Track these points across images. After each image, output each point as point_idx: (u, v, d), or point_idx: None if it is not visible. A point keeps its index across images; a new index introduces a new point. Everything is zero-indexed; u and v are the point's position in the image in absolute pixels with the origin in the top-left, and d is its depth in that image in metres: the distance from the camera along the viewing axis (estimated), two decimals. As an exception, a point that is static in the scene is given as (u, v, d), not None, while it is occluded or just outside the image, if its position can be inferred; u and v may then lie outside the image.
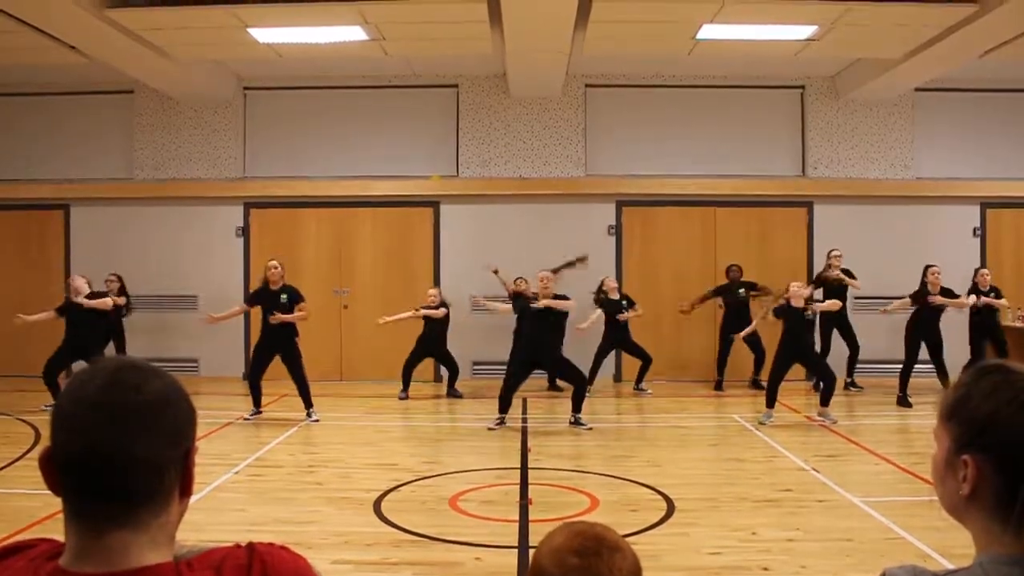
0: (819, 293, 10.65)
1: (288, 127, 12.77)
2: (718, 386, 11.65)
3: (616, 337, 11.28)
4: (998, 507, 1.11)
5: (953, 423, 1.18)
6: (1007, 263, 12.30)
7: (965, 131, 12.63)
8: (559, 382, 11.15)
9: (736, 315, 11.42)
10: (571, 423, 9.00)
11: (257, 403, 9.43)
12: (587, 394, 10.81)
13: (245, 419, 9.29)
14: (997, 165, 12.51)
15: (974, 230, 12.51)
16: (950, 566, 1.17)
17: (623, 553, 1.33)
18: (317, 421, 9.24)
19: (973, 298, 10.29)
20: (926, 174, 12.54)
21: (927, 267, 10.28)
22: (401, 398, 10.93)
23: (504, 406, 9.03)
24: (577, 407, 9.03)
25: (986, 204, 12.54)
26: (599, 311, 11.16)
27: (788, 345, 9.21)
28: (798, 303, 9.15)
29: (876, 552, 4.94)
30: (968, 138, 12.62)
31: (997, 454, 1.13)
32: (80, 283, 9.86)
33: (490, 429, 8.87)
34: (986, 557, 1.11)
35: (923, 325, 10.22)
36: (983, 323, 10.53)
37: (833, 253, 11.09)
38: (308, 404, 9.37)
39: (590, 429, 8.85)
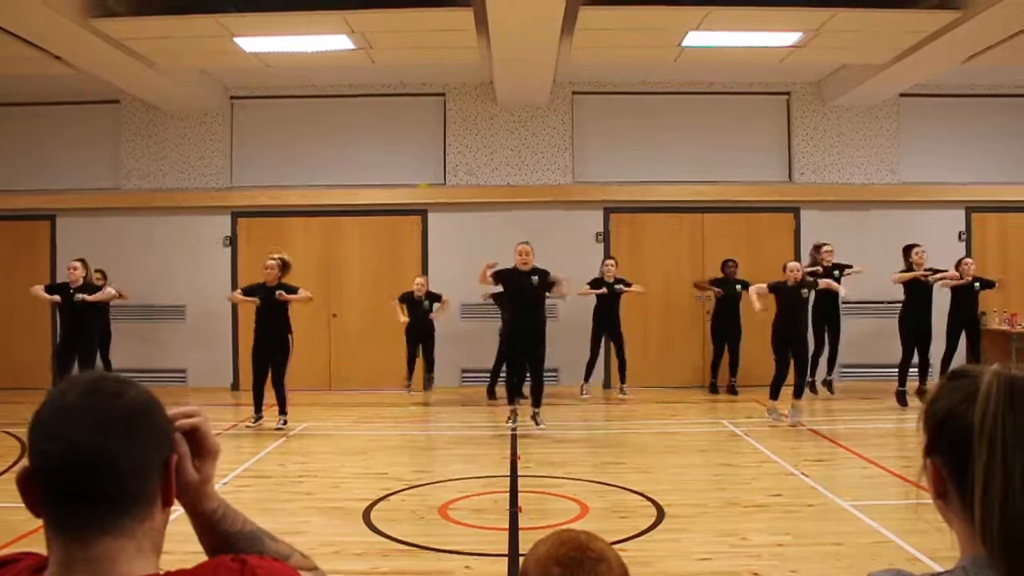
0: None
1: (275, 136, 12.74)
2: (712, 389, 11.72)
3: (605, 320, 11.23)
4: (965, 508, 1.12)
5: (923, 428, 1.20)
6: (992, 267, 12.34)
7: (950, 136, 12.71)
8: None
9: (728, 313, 11.50)
10: (532, 417, 9.01)
11: (258, 408, 9.34)
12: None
13: (248, 426, 9.23)
14: (982, 169, 12.59)
15: (959, 234, 12.59)
16: (939, 569, 1.17)
17: (608, 563, 1.32)
18: (281, 428, 9.17)
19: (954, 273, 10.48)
20: (911, 179, 12.62)
21: (910, 247, 10.44)
22: (407, 385, 11.05)
23: (513, 394, 9.11)
24: (537, 401, 9.05)
25: (971, 208, 12.62)
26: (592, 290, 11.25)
27: (783, 327, 9.22)
28: (794, 279, 9.22)
29: (866, 555, 4.95)
30: (953, 143, 12.70)
31: (951, 456, 1.14)
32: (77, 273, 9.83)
33: (508, 424, 8.99)
34: (968, 559, 1.12)
35: (912, 316, 10.29)
36: (963, 315, 10.58)
37: (824, 248, 11.09)
38: (282, 410, 9.31)
39: (543, 429, 8.90)
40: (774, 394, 9.33)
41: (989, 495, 1.08)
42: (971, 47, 9.48)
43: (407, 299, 11.05)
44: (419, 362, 11.25)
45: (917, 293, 10.32)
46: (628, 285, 11.22)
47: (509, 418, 9.03)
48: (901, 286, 10.48)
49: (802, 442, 8.51)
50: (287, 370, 9.39)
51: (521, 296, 8.99)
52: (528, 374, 9.18)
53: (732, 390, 11.57)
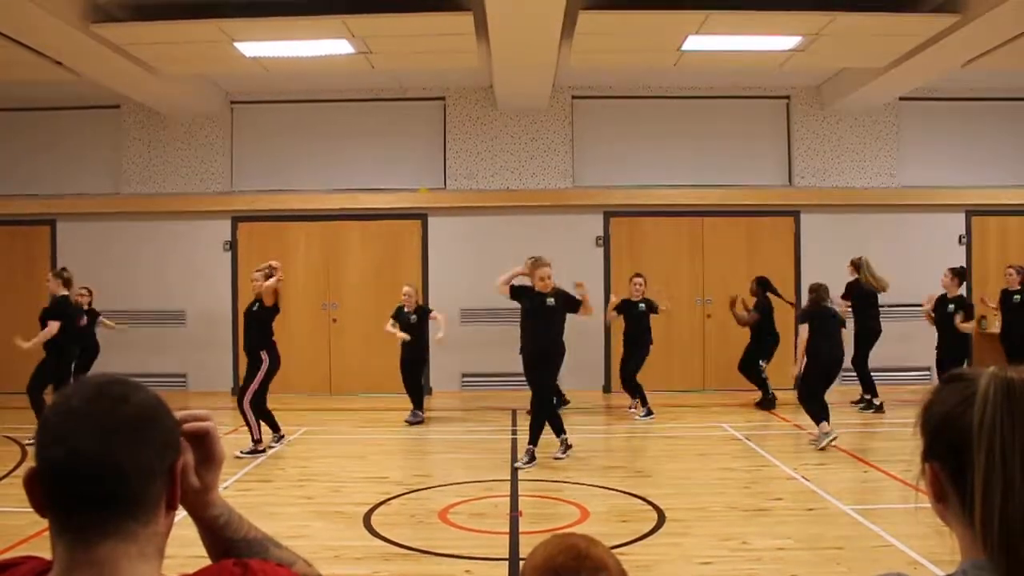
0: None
1: (275, 141, 12.76)
2: (766, 404, 10.79)
3: (636, 341, 10.48)
4: (964, 512, 1.12)
5: (920, 433, 1.20)
6: (992, 271, 12.34)
7: (949, 139, 12.73)
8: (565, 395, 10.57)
9: (765, 325, 10.97)
10: (558, 455, 7.90)
11: (275, 427, 8.66)
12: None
13: (271, 447, 8.54)
14: (981, 173, 12.59)
15: (959, 238, 12.59)
16: (939, 573, 1.18)
17: (607, 571, 1.29)
18: (268, 449, 8.45)
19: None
20: (911, 183, 12.62)
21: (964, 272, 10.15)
22: (412, 422, 10.05)
23: (558, 424, 7.96)
24: (532, 437, 7.83)
25: (971, 212, 12.62)
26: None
27: (819, 352, 8.40)
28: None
29: (867, 560, 4.95)
30: (952, 146, 12.71)
31: (949, 459, 1.14)
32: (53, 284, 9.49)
33: (556, 458, 7.83)
34: (968, 563, 1.12)
35: (943, 349, 9.95)
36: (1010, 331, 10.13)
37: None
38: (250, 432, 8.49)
39: (524, 467, 7.63)
40: (820, 417, 8.35)
41: (989, 499, 1.08)
42: (970, 51, 9.48)
43: (397, 315, 10.32)
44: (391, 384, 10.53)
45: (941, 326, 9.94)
46: (655, 310, 10.47)
47: (562, 454, 7.90)
48: (928, 317, 10.24)
49: (802, 446, 8.50)
50: (252, 388, 8.41)
51: (536, 319, 7.94)
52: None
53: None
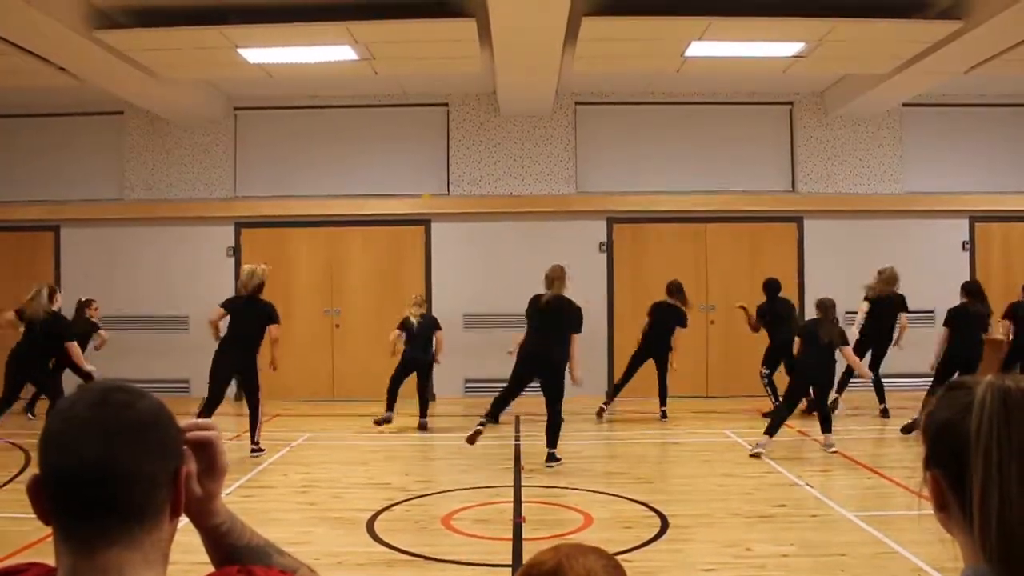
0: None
1: (278, 147, 12.77)
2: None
3: (656, 343, 10.48)
4: (965, 519, 1.12)
5: (922, 440, 1.21)
6: (995, 276, 12.32)
7: (953, 145, 12.72)
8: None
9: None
10: (547, 462, 7.87)
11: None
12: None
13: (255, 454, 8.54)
14: (985, 179, 12.59)
15: (963, 244, 12.59)
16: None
17: None
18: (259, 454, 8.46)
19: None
20: (914, 189, 12.62)
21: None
22: (380, 421, 9.82)
23: (493, 411, 8.07)
24: (552, 441, 7.94)
25: (975, 218, 12.62)
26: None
27: (808, 368, 8.41)
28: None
29: (870, 567, 4.94)
30: (956, 152, 12.71)
31: (949, 467, 1.14)
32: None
33: (470, 439, 7.83)
34: (970, 570, 1.12)
35: (957, 346, 9.40)
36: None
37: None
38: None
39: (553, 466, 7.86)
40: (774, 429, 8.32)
41: (987, 506, 1.09)
42: (973, 57, 9.49)
43: (405, 326, 10.13)
44: (402, 390, 10.12)
45: (960, 323, 9.42)
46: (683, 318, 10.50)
47: (473, 434, 7.81)
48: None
49: (805, 452, 8.49)
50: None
51: (538, 322, 7.96)
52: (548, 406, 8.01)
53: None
